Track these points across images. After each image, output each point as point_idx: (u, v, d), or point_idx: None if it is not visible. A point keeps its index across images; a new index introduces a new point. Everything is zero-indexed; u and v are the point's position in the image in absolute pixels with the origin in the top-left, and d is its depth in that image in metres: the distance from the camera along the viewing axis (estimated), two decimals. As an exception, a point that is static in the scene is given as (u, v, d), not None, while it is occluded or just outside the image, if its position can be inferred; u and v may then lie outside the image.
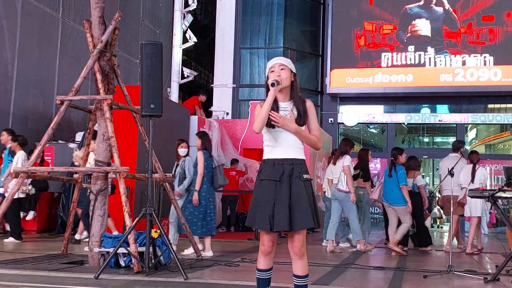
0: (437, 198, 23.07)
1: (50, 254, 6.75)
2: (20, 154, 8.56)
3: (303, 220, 3.20)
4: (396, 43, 17.87)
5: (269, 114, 3.25)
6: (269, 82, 3.29)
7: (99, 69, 5.99)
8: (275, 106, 3.32)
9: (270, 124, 3.28)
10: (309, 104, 3.41)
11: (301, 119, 3.34)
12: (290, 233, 3.29)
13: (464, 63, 17.29)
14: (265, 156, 3.37)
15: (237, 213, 12.70)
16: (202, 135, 7.46)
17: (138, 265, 5.33)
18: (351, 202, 8.22)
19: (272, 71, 3.37)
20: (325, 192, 9.28)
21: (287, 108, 3.36)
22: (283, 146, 3.32)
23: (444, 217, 22.83)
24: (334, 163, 8.55)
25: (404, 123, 18.79)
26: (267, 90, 3.37)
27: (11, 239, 8.52)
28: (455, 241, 8.81)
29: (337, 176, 8.38)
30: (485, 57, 17.20)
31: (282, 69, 3.37)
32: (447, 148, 21.05)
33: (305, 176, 3.28)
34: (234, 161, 12.80)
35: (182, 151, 7.54)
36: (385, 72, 17.82)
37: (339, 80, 18.11)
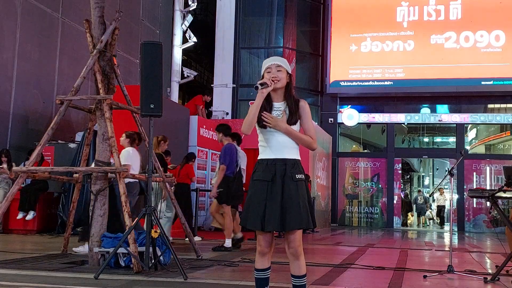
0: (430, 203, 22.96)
1: (50, 254, 6.75)
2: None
3: (294, 221, 3.18)
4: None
5: (261, 115, 3.24)
6: (258, 83, 3.24)
7: (99, 69, 5.99)
8: (268, 106, 3.31)
9: (262, 125, 3.28)
10: (303, 103, 3.37)
11: (293, 118, 3.31)
12: (285, 234, 3.28)
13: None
14: (259, 156, 3.38)
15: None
16: None
17: (138, 265, 5.33)
18: None
19: (269, 72, 3.34)
20: None
21: (280, 108, 3.34)
22: (275, 147, 3.30)
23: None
24: None
25: (404, 123, 18.79)
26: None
27: None
28: None
29: None
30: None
31: (279, 70, 3.33)
32: (447, 148, 21.08)
33: (297, 176, 3.26)
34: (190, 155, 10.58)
35: None
36: (385, 71, 17.83)
37: (339, 80, 18.13)
